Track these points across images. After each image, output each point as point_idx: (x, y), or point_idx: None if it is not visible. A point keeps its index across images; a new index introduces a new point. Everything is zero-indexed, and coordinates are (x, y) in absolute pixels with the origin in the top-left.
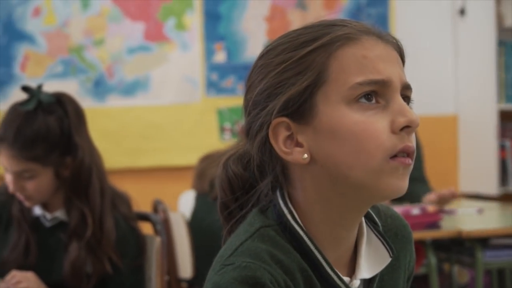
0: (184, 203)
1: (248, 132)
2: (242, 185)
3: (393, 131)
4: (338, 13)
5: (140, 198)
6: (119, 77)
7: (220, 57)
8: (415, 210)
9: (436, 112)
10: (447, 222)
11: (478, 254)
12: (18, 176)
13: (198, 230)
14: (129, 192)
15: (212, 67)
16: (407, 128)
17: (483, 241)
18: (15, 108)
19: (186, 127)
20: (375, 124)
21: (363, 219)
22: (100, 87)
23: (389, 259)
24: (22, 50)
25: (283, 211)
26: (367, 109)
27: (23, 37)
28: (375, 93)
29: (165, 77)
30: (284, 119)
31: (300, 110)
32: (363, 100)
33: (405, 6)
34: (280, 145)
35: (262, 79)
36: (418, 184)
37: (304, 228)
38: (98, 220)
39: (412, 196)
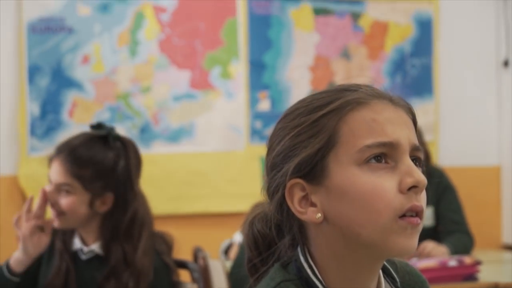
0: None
1: (267, 192)
2: (266, 243)
3: (401, 191)
4: (382, 63)
5: (183, 244)
6: (165, 124)
7: (264, 105)
8: (452, 262)
9: (479, 163)
10: (485, 274)
11: None
12: (57, 189)
13: (238, 278)
14: None
15: (256, 115)
16: (415, 188)
17: None
18: (85, 132)
19: (229, 174)
20: (383, 184)
21: (381, 274)
22: (145, 134)
23: None
24: (70, 97)
25: (303, 266)
26: (376, 170)
27: (71, 84)
28: (384, 155)
29: (209, 124)
30: (299, 180)
31: (313, 171)
32: (373, 161)
33: (449, 57)
34: (295, 205)
35: (279, 142)
36: (457, 232)
37: (323, 282)
38: (138, 261)
39: (452, 245)
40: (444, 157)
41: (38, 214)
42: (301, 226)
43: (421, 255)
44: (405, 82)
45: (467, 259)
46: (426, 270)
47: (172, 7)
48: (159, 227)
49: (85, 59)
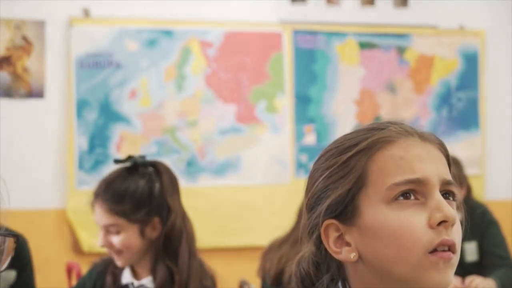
0: None
1: (306, 233)
2: (311, 281)
3: (430, 227)
4: (427, 97)
5: (229, 277)
6: (211, 158)
7: (310, 139)
8: None
9: None
10: None
11: None
12: (106, 231)
13: None
14: (217, 271)
15: (302, 149)
16: (444, 222)
17: None
18: (115, 169)
19: (275, 207)
20: (412, 221)
21: None
22: (192, 167)
23: None
24: (118, 131)
25: None
26: (405, 207)
27: (119, 118)
28: (413, 191)
29: (255, 158)
30: (333, 221)
31: (345, 212)
32: (401, 198)
33: (495, 90)
34: (331, 246)
35: (313, 184)
36: (503, 267)
37: None
38: (184, 282)
39: (499, 279)
40: (491, 190)
41: None
42: (339, 264)
43: None
44: (451, 116)
45: None
46: None
47: (218, 42)
48: (205, 260)
49: (133, 94)
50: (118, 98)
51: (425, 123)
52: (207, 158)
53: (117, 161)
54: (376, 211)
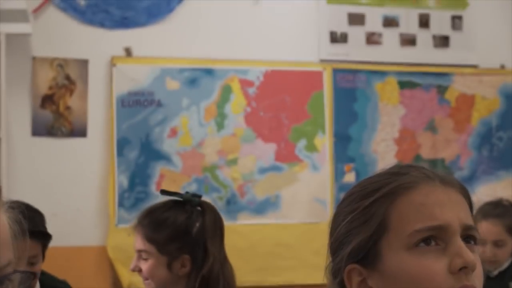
0: None
1: (331, 274)
2: None
3: (451, 272)
4: (468, 136)
5: None
6: (251, 196)
7: (350, 178)
8: None
9: None
10: None
11: None
12: (139, 256)
13: None
14: None
15: (342, 188)
16: (465, 268)
17: None
18: (164, 200)
19: (315, 246)
20: (432, 267)
21: None
22: (231, 206)
23: None
24: (158, 169)
25: None
26: (426, 253)
27: (159, 156)
28: (434, 237)
29: (295, 196)
30: (355, 265)
31: (367, 257)
32: (422, 244)
33: None
34: None
35: (337, 227)
36: None
37: None
38: None
39: None
40: None
41: None
42: None
43: None
44: (492, 155)
45: None
46: None
47: (258, 80)
48: None
49: (173, 132)
50: (158, 136)
51: (465, 163)
52: (247, 196)
53: (163, 192)
54: (397, 257)
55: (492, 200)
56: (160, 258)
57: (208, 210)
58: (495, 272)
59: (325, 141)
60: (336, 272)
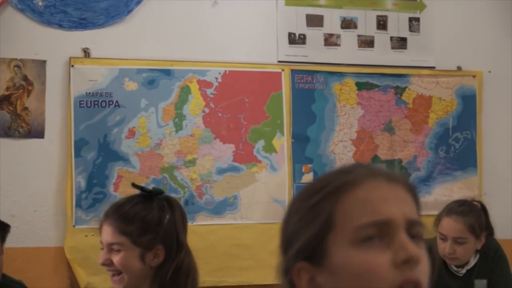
0: None
1: (281, 273)
2: None
3: (395, 265)
4: (425, 137)
5: None
6: (209, 197)
7: (308, 178)
8: None
9: None
10: None
11: None
12: (109, 250)
13: None
14: None
15: (300, 188)
16: (408, 262)
17: None
18: (130, 195)
19: (272, 246)
20: (376, 262)
21: None
22: (190, 206)
23: None
24: (116, 170)
25: None
26: (371, 248)
27: (117, 157)
28: (378, 232)
29: (253, 197)
30: (304, 263)
31: (315, 254)
32: (367, 240)
33: (493, 131)
34: (303, 287)
35: (286, 226)
36: None
37: None
38: None
39: None
40: None
41: None
42: None
43: None
44: (449, 156)
45: None
46: None
47: (217, 81)
48: None
49: (131, 133)
50: (116, 137)
51: (422, 164)
52: (205, 197)
53: (134, 185)
54: (343, 253)
55: (460, 199)
56: (133, 250)
57: (175, 204)
58: (463, 271)
59: (283, 142)
60: (286, 270)
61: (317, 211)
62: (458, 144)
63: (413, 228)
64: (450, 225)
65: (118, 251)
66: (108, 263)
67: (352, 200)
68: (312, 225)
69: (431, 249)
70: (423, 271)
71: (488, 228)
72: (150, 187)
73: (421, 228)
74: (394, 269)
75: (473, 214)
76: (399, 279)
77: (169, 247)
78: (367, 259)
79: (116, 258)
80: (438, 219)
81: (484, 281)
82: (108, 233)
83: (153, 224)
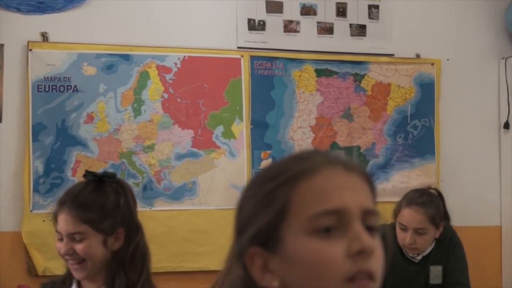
0: None
1: (234, 256)
2: None
3: (349, 256)
4: (383, 124)
5: None
6: (167, 182)
7: (266, 164)
8: None
9: (480, 223)
10: None
11: None
12: (70, 239)
13: None
14: None
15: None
16: (363, 252)
17: None
18: (80, 181)
19: (231, 232)
20: (330, 251)
21: None
22: (148, 192)
23: None
24: (74, 155)
25: None
26: (325, 237)
27: (75, 142)
28: (333, 221)
29: (211, 183)
30: (258, 248)
31: (269, 240)
32: (321, 228)
33: (450, 118)
34: (255, 272)
35: (240, 211)
36: None
37: None
38: None
39: None
40: None
41: None
42: None
43: None
44: (407, 143)
45: None
46: None
47: (176, 67)
48: (161, 283)
49: (90, 118)
50: (75, 122)
51: (380, 151)
52: (164, 182)
53: (85, 176)
54: (296, 241)
55: (419, 187)
56: (95, 237)
57: (126, 186)
58: (419, 257)
59: (242, 128)
60: (239, 255)
61: (273, 197)
62: (416, 132)
63: (368, 217)
64: (411, 216)
65: (81, 240)
66: (71, 253)
67: (308, 188)
68: (268, 211)
69: (385, 236)
70: (377, 262)
71: (445, 216)
72: (105, 171)
73: (377, 218)
74: (347, 260)
75: (434, 204)
76: (353, 270)
77: (128, 230)
78: (321, 249)
79: (79, 247)
80: (398, 209)
81: (440, 267)
82: (67, 223)
83: (111, 209)
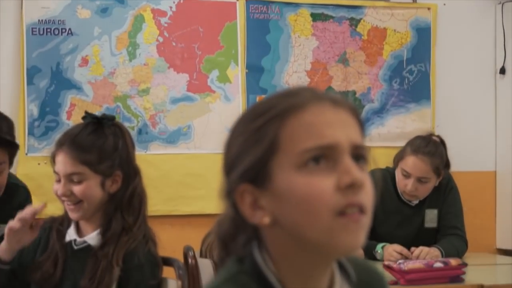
0: None
1: (223, 195)
2: (231, 241)
3: (339, 190)
4: (379, 69)
5: (179, 244)
6: (162, 126)
7: None
8: (437, 263)
9: (475, 169)
10: (470, 276)
11: None
12: (68, 180)
13: None
14: (168, 238)
15: None
16: (352, 186)
17: None
18: (79, 123)
19: None
20: (319, 185)
21: (336, 270)
22: (143, 136)
23: None
24: (69, 98)
25: (257, 260)
26: (315, 172)
27: (70, 85)
28: (323, 156)
29: (207, 127)
30: (247, 185)
31: (259, 176)
32: (311, 164)
33: (446, 63)
34: (245, 209)
35: (229, 148)
36: (454, 236)
37: (276, 276)
38: (133, 237)
39: (445, 250)
40: None
41: (30, 217)
42: (256, 226)
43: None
44: (402, 88)
45: (453, 261)
46: (412, 271)
47: (171, 10)
48: (156, 227)
49: (84, 61)
50: (69, 65)
51: (376, 95)
52: (159, 126)
53: (84, 118)
54: (286, 177)
55: (424, 135)
56: (94, 178)
57: (124, 129)
58: (416, 201)
59: (237, 72)
60: (229, 193)
61: (262, 133)
62: (412, 77)
63: (357, 152)
64: (416, 164)
65: (79, 181)
66: (68, 194)
67: (297, 123)
68: (257, 148)
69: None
70: (367, 195)
71: (446, 164)
72: (104, 114)
73: (366, 152)
74: (337, 193)
75: (438, 154)
76: (343, 203)
77: (125, 173)
78: (311, 183)
79: (77, 188)
80: (401, 155)
81: (435, 211)
82: (66, 163)
83: (110, 151)
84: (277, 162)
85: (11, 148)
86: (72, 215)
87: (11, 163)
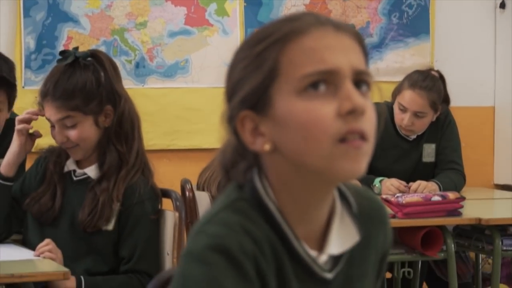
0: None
1: (225, 121)
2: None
3: (340, 116)
4: (378, 3)
5: (177, 178)
6: (160, 60)
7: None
8: (435, 197)
9: (473, 104)
10: (468, 210)
11: (497, 242)
12: (62, 126)
13: None
14: (166, 172)
15: None
16: (353, 112)
17: (505, 230)
18: (55, 66)
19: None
20: (320, 111)
21: (336, 197)
22: (140, 69)
23: (357, 239)
24: (66, 31)
25: (256, 187)
26: (315, 97)
27: (67, 18)
28: (324, 82)
29: (204, 61)
30: (248, 112)
31: (260, 103)
32: (311, 89)
33: None
34: (246, 136)
35: (231, 74)
36: (451, 170)
37: (276, 203)
38: (132, 164)
39: (443, 184)
40: None
41: (28, 119)
42: (256, 153)
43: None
44: (402, 23)
45: (451, 195)
46: (410, 205)
47: None
48: (153, 161)
49: None
50: None
51: (375, 30)
52: (156, 60)
53: (60, 61)
54: (286, 103)
55: (422, 70)
56: (86, 120)
57: (103, 58)
58: (414, 136)
59: (235, 6)
60: (230, 119)
61: (263, 59)
62: (411, 11)
63: (360, 78)
64: (413, 99)
65: (73, 125)
66: (66, 141)
67: (298, 48)
68: (257, 73)
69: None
70: (368, 122)
71: (445, 99)
72: (74, 48)
73: (369, 78)
74: (338, 119)
75: (436, 89)
76: (344, 129)
77: (114, 103)
78: (311, 108)
79: (72, 134)
80: (399, 89)
81: (433, 146)
82: (55, 112)
83: (94, 89)
84: (277, 88)
85: (11, 89)
86: (73, 156)
87: (10, 107)
